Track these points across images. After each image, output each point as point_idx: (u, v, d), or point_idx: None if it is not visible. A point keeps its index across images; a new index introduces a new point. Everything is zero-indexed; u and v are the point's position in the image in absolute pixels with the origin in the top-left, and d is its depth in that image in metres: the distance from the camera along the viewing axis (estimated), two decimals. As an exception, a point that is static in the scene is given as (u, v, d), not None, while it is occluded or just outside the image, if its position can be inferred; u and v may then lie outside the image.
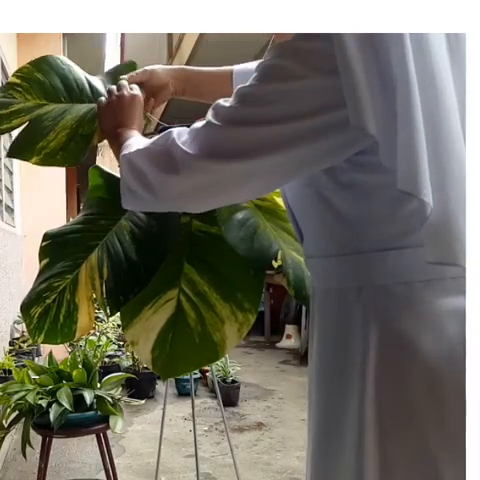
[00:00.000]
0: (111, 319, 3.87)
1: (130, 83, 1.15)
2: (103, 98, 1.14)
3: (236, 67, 1.22)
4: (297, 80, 0.76)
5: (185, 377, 3.91)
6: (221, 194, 0.86)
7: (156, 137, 0.89)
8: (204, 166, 0.81)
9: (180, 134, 0.85)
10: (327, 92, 0.75)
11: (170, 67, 1.24)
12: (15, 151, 1.17)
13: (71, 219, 1.35)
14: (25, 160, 1.17)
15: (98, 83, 1.23)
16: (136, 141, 0.98)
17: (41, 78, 1.17)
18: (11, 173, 5.11)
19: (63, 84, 1.19)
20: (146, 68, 1.19)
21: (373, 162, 0.80)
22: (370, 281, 0.84)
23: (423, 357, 0.79)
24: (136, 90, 1.14)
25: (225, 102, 0.83)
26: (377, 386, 0.82)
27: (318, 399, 0.95)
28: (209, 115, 0.83)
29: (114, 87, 1.14)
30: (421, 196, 0.71)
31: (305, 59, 0.76)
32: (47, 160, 1.17)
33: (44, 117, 1.16)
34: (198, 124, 0.84)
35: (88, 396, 2.11)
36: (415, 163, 0.71)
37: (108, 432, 2.26)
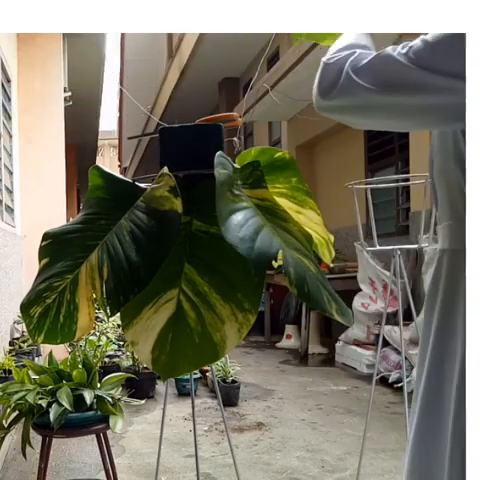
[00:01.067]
0: (111, 319, 3.87)
1: None
2: None
3: None
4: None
5: (185, 377, 3.91)
6: (376, 120, 1.01)
7: (345, 53, 0.98)
8: (370, 95, 0.92)
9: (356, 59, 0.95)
10: None
11: None
12: None
13: (71, 219, 1.35)
14: None
15: None
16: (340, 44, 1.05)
17: None
18: (11, 173, 5.11)
19: None
20: None
21: None
22: None
23: None
24: None
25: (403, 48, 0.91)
26: None
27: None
28: (390, 49, 0.92)
29: None
30: None
31: None
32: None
33: None
34: (372, 55, 0.93)
35: (88, 396, 2.11)
36: None
37: (108, 432, 2.25)
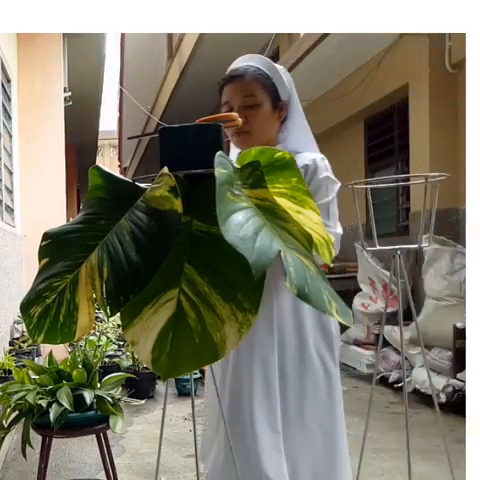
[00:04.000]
0: (111, 319, 3.87)
1: None
2: None
3: None
4: None
5: (185, 377, 3.91)
6: None
7: None
8: None
9: None
10: None
11: None
12: None
13: (71, 219, 1.35)
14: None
15: None
16: None
17: None
18: (11, 173, 5.11)
19: None
20: None
21: None
22: None
23: None
24: None
25: None
26: None
27: None
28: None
29: None
30: None
31: None
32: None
33: None
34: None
35: (88, 396, 2.11)
36: None
37: (108, 432, 2.25)
